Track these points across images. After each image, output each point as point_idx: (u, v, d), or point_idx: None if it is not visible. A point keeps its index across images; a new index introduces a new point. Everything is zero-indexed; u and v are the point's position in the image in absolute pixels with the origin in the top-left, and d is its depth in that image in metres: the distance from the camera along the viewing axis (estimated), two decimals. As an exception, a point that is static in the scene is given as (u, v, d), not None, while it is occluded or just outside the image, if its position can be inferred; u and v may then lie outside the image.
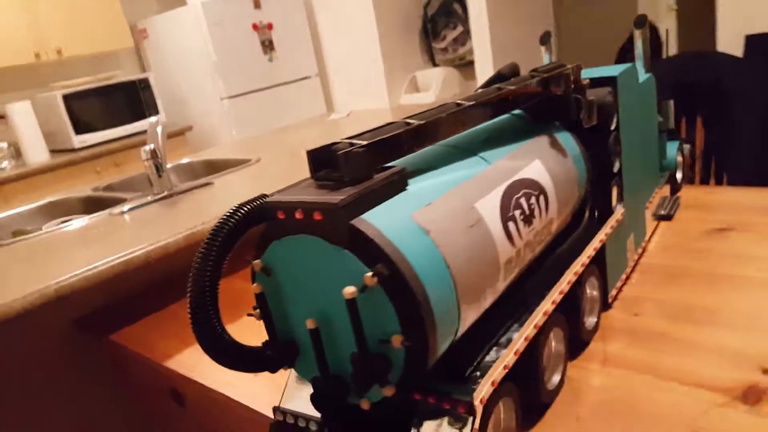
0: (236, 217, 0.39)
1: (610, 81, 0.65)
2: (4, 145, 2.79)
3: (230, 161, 1.59)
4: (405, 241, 0.37)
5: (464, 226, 0.41)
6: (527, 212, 0.48)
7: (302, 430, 0.47)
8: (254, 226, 0.40)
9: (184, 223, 1.00)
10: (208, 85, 3.27)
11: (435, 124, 0.44)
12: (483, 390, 0.41)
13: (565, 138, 0.59)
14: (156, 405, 0.92)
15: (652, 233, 0.86)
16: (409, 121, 0.43)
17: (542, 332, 0.50)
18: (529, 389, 0.50)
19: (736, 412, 0.48)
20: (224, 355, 0.41)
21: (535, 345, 0.49)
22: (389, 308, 0.36)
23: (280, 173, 1.31)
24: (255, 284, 0.41)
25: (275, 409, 0.49)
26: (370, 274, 0.35)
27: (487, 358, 0.44)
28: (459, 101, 0.48)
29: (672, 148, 0.98)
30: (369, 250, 0.35)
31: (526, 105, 0.56)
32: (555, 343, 0.55)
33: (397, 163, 0.45)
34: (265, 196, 0.41)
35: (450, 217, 0.41)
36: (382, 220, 0.37)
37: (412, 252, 0.37)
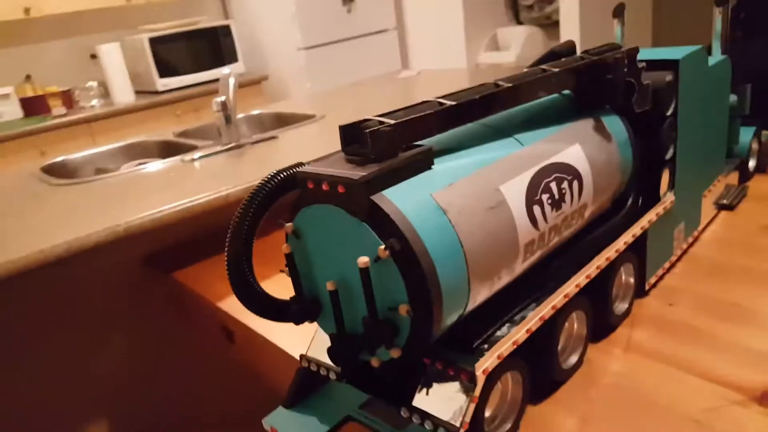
0: (272, 183, 0.43)
1: (672, 64, 0.63)
2: (95, 84, 2.96)
3: (297, 116, 1.63)
4: (421, 218, 0.39)
5: (485, 207, 0.43)
6: (556, 197, 0.49)
7: (324, 378, 0.51)
8: (288, 193, 0.43)
9: (246, 175, 1.05)
10: (286, 35, 3.31)
11: (468, 105, 0.45)
12: (487, 362, 0.43)
13: (614, 122, 0.59)
14: (208, 339, 0.99)
15: (709, 222, 0.83)
16: (441, 101, 0.45)
17: (561, 314, 0.51)
18: (541, 366, 0.51)
19: (749, 411, 0.48)
20: (253, 303, 0.45)
21: (552, 325, 0.51)
22: (399, 279, 0.38)
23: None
24: (285, 245, 0.44)
25: (302, 357, 0.53)
26: (383, 247, 0.37)
27: (499, 333, 0.46)
28: (498, 81, 0.48)
29: (746, 134, 0.93)
30: (384, 225, 0.38)
31: (574, 87, 0.56)
32: (576, 325, 0.56)
33: (430, 141, 0.46)
34: (300, 164, 0.44)
35: (471, 197, 0.42)
36: (402, 197, 0.39)
37: (426, 229, 0.39)
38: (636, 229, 0.61)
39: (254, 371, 0.82)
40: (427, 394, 0.44)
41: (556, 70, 0.51)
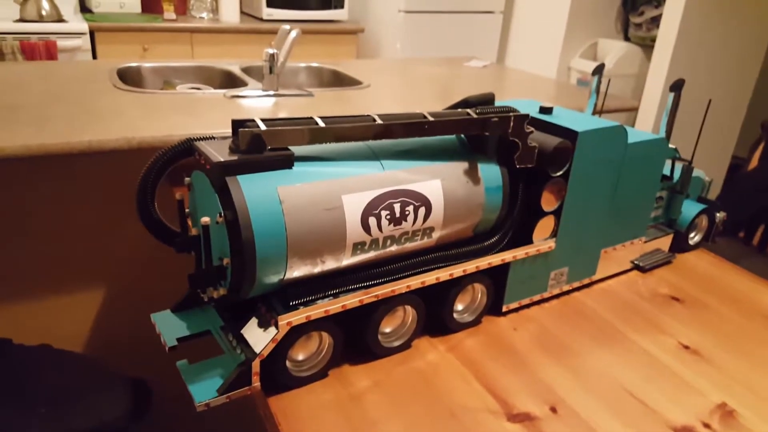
0: (177, 148, 0.59)
1: (571, 135, 0.74)
2: (208, -3, 3.20)
3: (348, 78, 1.78)
4: (258, 202, 0.54)
5: (322, 207, 0.58)
6: (397, 215, 0.62)
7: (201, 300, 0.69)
8: (186, 158, 0.60)
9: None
10: (392, -6, 3.42)
11: (337, 131, 0.59)
12: (294, 318, 0.59)
13: (491, 170, 0.70)
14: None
15: (616, 275, 0.93)
16: (317, 120, 0.59)
17: (386, 303, 0.66)
18: (362, 339, 0.66)
19: (497, 421, 0.61)
20: (151, 225, 0.62)
21: (375, 310, 0.65)
22: (226, 240, 0.54)
23: (374, 103, 1.48)
24: (178, 193, 0.61)
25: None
26: (220, 214, 0.53)
27: (321, 302, 0.61)
28: (375, 116, 0.62)
29: (691, 210, 1.01)
30: (226, 199, 0.54)
31: (457, 134, 0.68)
32: (410, 318, 0.70)
33: (311, 148, 0.61)
34: (201, 138, 0.60)
35: (311, 197, 0.57)
36: (251, 183, 0.55)
37: (258, 211, 0.54)
38: (494, 260, 0.73)
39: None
40: (252, 328, 0.61)
41: (431, 119, 0.64)
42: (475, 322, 0.77)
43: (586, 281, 0.88)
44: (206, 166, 0.55)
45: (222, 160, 0.54)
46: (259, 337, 0.59)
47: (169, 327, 0.66)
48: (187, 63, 1.81)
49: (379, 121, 0.61)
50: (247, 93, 1.45)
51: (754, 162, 1.71)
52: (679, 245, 1.02)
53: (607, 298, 0.87)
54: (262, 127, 0.56)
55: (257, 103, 1.39)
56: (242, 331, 0.61)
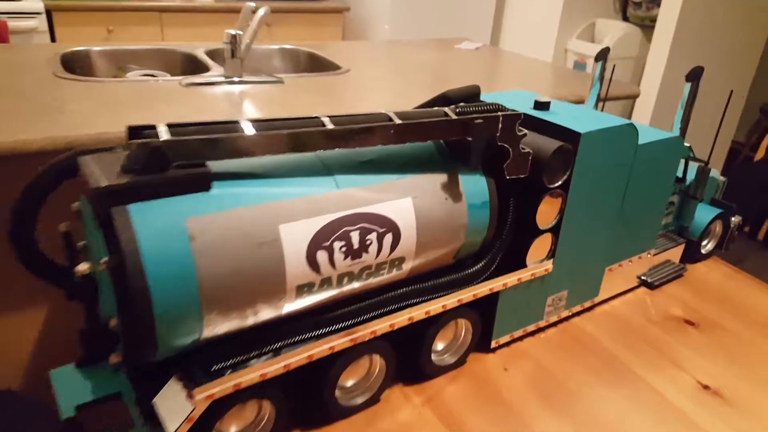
0: (57, 166, 0.45)
1: (572, 136, 0.60)
2: (181, -25, 3.01)
3: (326, 63, 1.62)
4: (157, 240, 0.40)
5: (250, 242, 0.43)
6: (355, 246, 0.48)
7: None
8: (71, 178, 0.45)
9: (218, 115, 1.07)
10: (377, -30, 3.24)
11: (271, 139, 0.45)
12: (216, 389, 0.45)
13: (475, 183, 0.56)
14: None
15: (622, 294, 0.80)
16: (243, 126, 0.45)
17: (345, 355, 0.52)
18: (315, 400, 0.53)
19: (481, 506, 0.48)
20: (30, 262, 0.48)
21: (330, 364, 0.52)
22: (112, 294, 0.40)
23: (353, 91, 1.33)
24: (62, 223, 0.46)
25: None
26: (104, 259, 0.39)
27: (257, 362, 0.47)
28: (324, 118, 0.48)
29: (705, 215, 0.87)
30: (111, 239, 0.39)
31: (433, 140, 0.54)
32: (376, 369, 0.56)
33: (240, 164, 0.47)
34: (95, 150, 0.45)
35: (235, 229, 0.43)
36: (147, 215, 0.40)
37: (156, 252, 0.40)
38: (480, 290, 0.60)
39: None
40: (168, 397, 0.47)
41: (399, 122, 0.50)
42: (459, 364, 0.63)
43: (587, 304, 0.75)
44: (89, 191, 0.41)
45: (105, 184, 0.39)
46: (173, 411, 0.45)
47: (70, 388, 0.52)
48: (145, 46, 1.64)
49: (329, 126, 0.47)
50: (206, 80, 1.29)
51: (761, 153, 1.59)
52: (691, 254, 0.89)
53: (611, 323, 0.74)
54: (164, 136, 0.42)
55: (217, 91, 1.24)
56: (155, 401, 0.47)
